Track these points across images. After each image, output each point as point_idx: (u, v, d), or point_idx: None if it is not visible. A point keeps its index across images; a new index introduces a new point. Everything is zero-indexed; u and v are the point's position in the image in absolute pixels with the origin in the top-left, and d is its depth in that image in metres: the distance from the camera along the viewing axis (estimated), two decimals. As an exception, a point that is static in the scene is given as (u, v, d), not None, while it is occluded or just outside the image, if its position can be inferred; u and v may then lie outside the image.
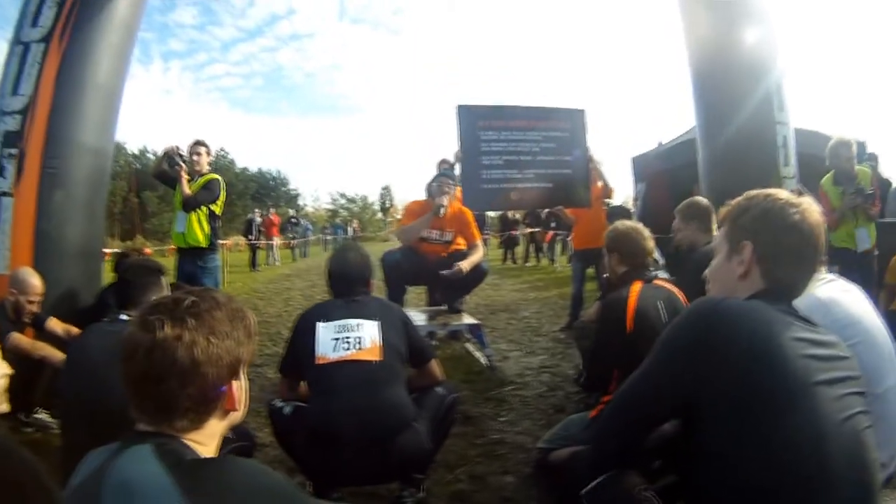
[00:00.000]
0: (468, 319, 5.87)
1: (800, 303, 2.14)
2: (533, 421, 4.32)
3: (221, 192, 6.09)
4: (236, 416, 1.45)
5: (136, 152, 58.59)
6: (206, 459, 1.30)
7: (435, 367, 3.19)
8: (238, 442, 2.66)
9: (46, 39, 4.85)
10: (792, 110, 5.88)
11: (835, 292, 2.51)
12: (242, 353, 1.40)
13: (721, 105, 5.83)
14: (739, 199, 1.84)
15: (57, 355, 3.97)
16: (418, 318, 5.76)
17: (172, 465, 1.20)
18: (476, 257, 5.70)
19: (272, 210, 28.84)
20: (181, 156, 5.90)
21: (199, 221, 5.88)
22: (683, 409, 1.60)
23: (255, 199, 64.02)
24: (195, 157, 5.99)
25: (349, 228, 43.77)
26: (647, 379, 1.67)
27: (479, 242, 6.09)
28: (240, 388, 1.41)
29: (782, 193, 1.77)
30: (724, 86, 5.78)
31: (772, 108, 5.67)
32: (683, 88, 6.30)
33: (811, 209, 1.72)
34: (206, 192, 5.92)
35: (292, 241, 27.98)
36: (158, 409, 1.30)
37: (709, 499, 1.52)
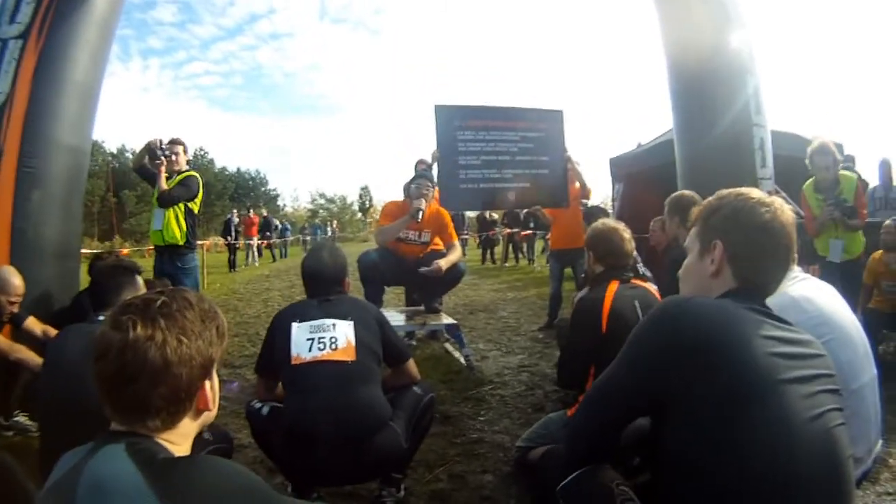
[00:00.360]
0: (446, 319, 5.86)
1: (772, 301, 2.17)
2: (512, 420, 4.34)
3: (199, 190, 6.04)
4: (209, 416, 1.45)
5: (115, 151, 58.30)
6: (179, 458, 1.29)
7: (412, 366, 3.18)
8: (216, 443, 2.65)
9: (24, 36, 4.78)
10: (769, 112, 5.94)
11: (808, 290, 2.54)
12: (214, 352, 1.39)
13: (698, 107, 5.87)
14: (711, 198, 1.86)
15: (33, 358, 3.91)
16: (396, 318, 5.76)
17: (145, 464, 1.20)
18: (454, 256, 5.70)
19: (251, 210, 28.69)
20: (163, 150, 5.83)
21: (177, 219, 5.81)
22: (652, 407, 1.61)
23: (233, 199, 63.73)
24: (173, 156, 5.91)
25: (328, 228, 43.57)
26: (617, 377, 1.67)
27: (457, 243, 6.07)
28: (212, 387, 1.41)
29: (754, 192, 1.78)
30: (701, 88, 5.81)
31: (749, 110, 5.72)
32: (662, 89, 6.34)
33: (782, 208, 1.73)
34: (183, 189, 5.85)
35: (270, 242, 27.80)
36: (131, 408, 1.29)
37: (678, 498, 1.52)
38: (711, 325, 1.52)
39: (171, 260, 5.84)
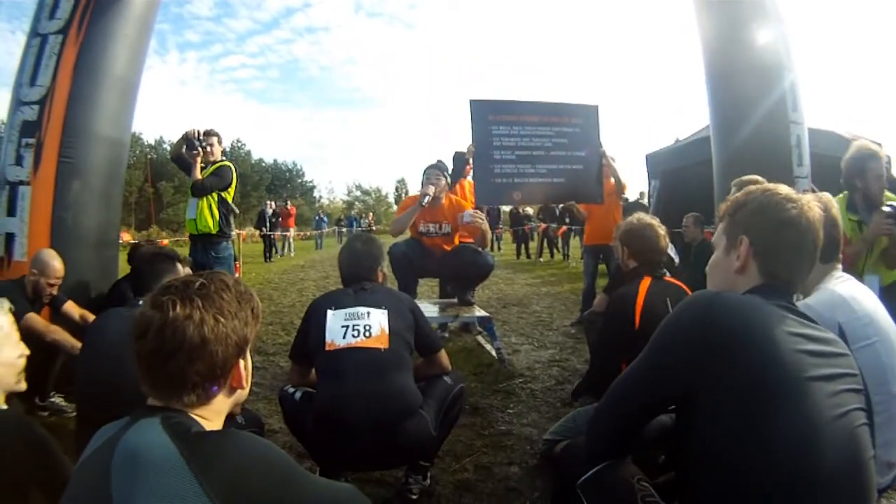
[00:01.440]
0: (479, 312, 5.88)
1: (820, 297, 2.15)
2: (540, 413, 4.34)
3: (233, 180, 6.09)
4: (242, 395, 1.51)
5: (153, 143, 58.95)
6: (211, 432, 1.35)
7: (443, 357, 3.21)
8: (248, 426, 2.70)
9: (64, 31, 4.91)
10: (806, 110, 5.86)
11: (854, 290, 2.51)
12: (248, 333, 1.45)
13: (735, 104, 5.82)
14: (738, 194, 1.85)
15: (69, 340, 4.02)
16: (430, 309, 5.80)
17: (178, 436, 1.26)
18: (482, 234, 5.84)
19: (289, 201, 28.88)
20: (200, 140, 5.89)
21: (210, 208, 5.88)
22: (677, 402, 1.61)
23: (269, 190, 64.20)
24: (208, 147, 5.98)
25: (364, 221, 43.76)
26: (642, 370, 1.67)
27: (488, 233, 6.08)
28: (245, 366, 1.47)
29: (781, 188, 1.77)
30: (737, 85, 5.76)
31: (786, 107, 5.65)
32: (699, 86, 6.29)
33: (810, 204, 1.72)
34: (217, 178, 5.91)
35: (310, 233, 28.01)
36: (168, 384, 1.36)
37: (702, 492, 1.51)
38: (740, 320, 1.52)
39: (205, 249, 5.92)
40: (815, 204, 1.75)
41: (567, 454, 2.09)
